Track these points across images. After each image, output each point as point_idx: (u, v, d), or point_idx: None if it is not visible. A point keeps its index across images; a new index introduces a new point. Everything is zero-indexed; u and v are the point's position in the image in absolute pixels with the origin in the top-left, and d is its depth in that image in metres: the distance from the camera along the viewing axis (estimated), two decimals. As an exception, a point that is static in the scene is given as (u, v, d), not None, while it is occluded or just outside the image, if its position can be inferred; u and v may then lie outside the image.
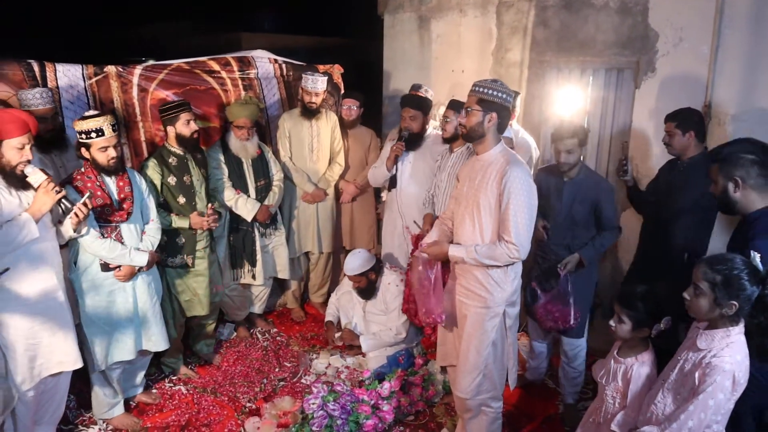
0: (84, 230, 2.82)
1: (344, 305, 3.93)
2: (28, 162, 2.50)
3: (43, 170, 2.54)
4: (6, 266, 2.45)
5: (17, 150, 2.45)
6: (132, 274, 3.05)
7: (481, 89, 2.49)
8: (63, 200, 2.53)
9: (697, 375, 1.89)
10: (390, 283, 3.71)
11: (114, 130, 2.88)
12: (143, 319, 3.15)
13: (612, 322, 2.25)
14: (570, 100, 4.15)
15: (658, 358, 2.23)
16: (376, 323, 3.78)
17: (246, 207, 3.89)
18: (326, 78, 4.25)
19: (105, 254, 2.92)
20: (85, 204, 2.66)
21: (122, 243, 2.98)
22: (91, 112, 2.91)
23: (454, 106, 3.42)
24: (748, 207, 2.21)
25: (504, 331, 2.63)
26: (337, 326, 4.08)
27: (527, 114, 4.72)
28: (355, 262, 3.67)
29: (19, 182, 2.51)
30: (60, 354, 2.71)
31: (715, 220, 3.21)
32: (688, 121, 3.17)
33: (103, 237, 2.92)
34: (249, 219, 3.92)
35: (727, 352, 1.86)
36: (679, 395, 1.95)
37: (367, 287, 3.72)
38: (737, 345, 1.88)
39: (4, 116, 2.44)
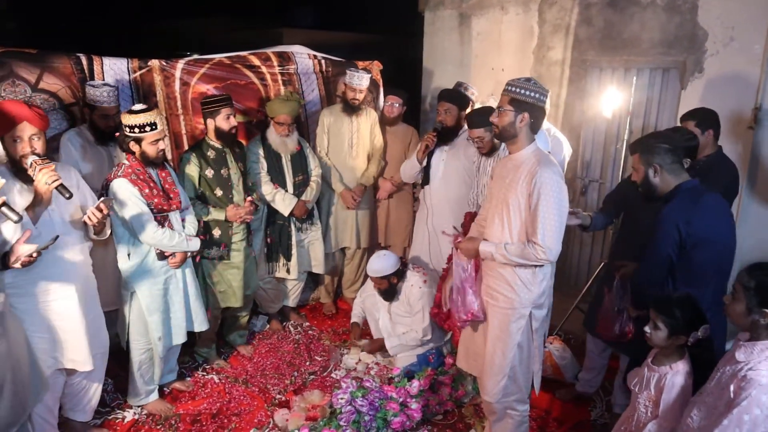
0: (108, 233, 2.80)
1: (369, 307, 3.91)
2: None
3: None
4: (55, 234, 2.37)
5: None
6: (184, 260, 3.15)
7: (513, 88, 2.45)
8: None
9: (732, 388, 1.81)
10: (413, 285, 3.68)
11: (162, 124, 2.94)
12: (192, 301, 3.28)
13: (647, 329, 2.19)
14: (612, 100, 4.05)
15: (695, 367, 2.16)
16: (402, 324, 3.77)
17: (284, 202, 3.93)
18: (369, 75, 4.25)
19: (166, 243, 3.00)
20: (99, 208, 2.57)
21: (176, 231, 3.07)
22: (140, 106, 2.90)
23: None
24: (665, 188, 2.52)
25: (530, 334, 2.58)
26: (363, 325, 4.09)
27: (567, 114, 4.64)
28: (379, 264, 3.63)
29: None
30: (71, 353, 2.71)
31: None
32: (707, 120, 3.11)
33: (160, 227, 2.99)
34: (286, 214, 3.95)
35: (765, 366, 1.78)
36: (715, 409, 1.87)
37: (388, 290, 3.70)
38: None
39: None
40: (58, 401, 2.86)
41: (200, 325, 3.36)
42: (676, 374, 2.12)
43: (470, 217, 3.24)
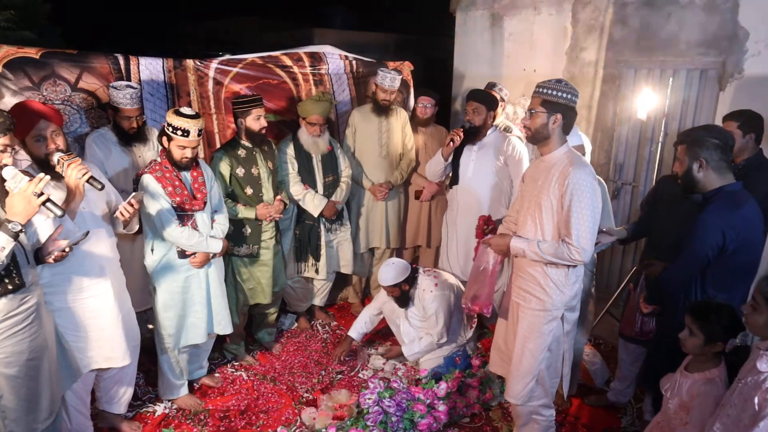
0: (135, 227, 2.85)
1: (389, 314, 3.89)
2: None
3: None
4: (86, 229, 2.37)
5: None
6: (206, 260, 3.16)
7: (544, 90, 2.43)
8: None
9: (757, 400, 1.74)
10: (425, 290, 3.65)
11: (198, 135, 2.95)
12: (214, 303, 3.27)
13: (682, 335, 2.14)
14: (647, 101, 3.96)
15: (731, 375, 2.09)
16: (420, 329, 3.75)
17: (313, 202, 3.94)
18: (401, 76, 4.25)
19: (185, 242, 3.03)
20: (130, 203, 2.62)
21: (197, 231, 3.09)
22: (188, 111, 2.93)
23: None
24: (707, 186, 2.47)
25: (561, 337, 2.56)
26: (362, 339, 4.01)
27: (600, 115, 4.57)
28: (390, 273, 3.61)
29: None
30: (108, 350, 2.74)
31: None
32: (751, 123, 3.04)
33: (181, 225, 3.02)
34: (316, 214, 3.97)
35: None
36: (740, 422, 1.80)
37: (401, 297, 3.68)
38: None
39: None
40: (89, 393, 2.91)
41: (223, 328, 3.34)
42: (708, 383, 2.07)
43: (483, 221, 3.23)
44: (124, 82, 3.30)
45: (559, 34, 4.71)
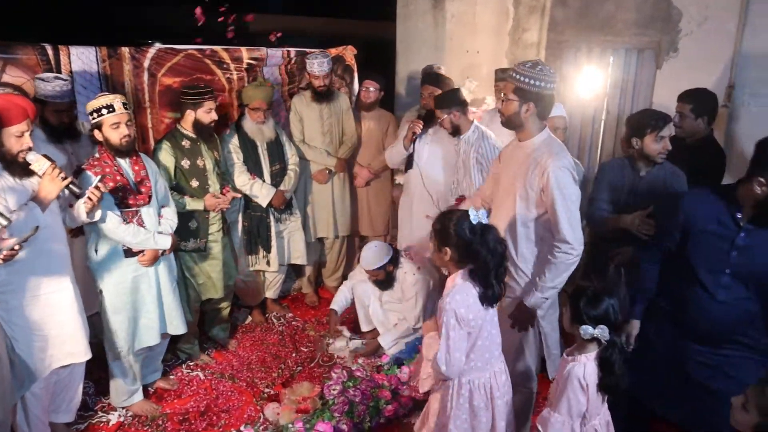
0: (98, 215, 2.74)
1: (359, 295, 3.86)
2: (29, 149, 2.38)
3: (46, 156, 2.40)
4: (36, 224, 2.32)
5: (16, 138, 2.34)
6: (155, 258, 3.03)
7: (517, 76, 2.33)
8: (71, 186, 2.40)
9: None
10: (406, 273, 3.65)
11: (125, 107, 2.83)
12: (166, 302, 3.16)
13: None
14: (589, 81, 4.07)
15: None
16: (393, 311, 3.75)
17: (261, 192, 3.84)
18: (330, 58, 4.13)
19: (130, 239, 2.89)
20: (97, 187, 2.57)
21: (143, 227, 2.95)
22: (101, 94, 2.85)
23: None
24: None
25: (535, 321, 2.58)
26: (348, 314, 4.03)
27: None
28: (373, 256, 3.59)
29: (23, 170, 2.41)
30: (69, 345, 2.67)
31: None
32: (704, 106, 3.12)
33: (126, 222, 2.89)
34: (264, 204, 3.87)
35: None
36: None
37: (385, 279, 3.67)
38: None
39: (2, 103, 2.34)
40: (50, 398, 2.78)
41: (176, 328, 3.22)
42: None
43: (460, 202, 3.21)
44: (53, 74, 3.11)
45: (501, 16, 4.75)
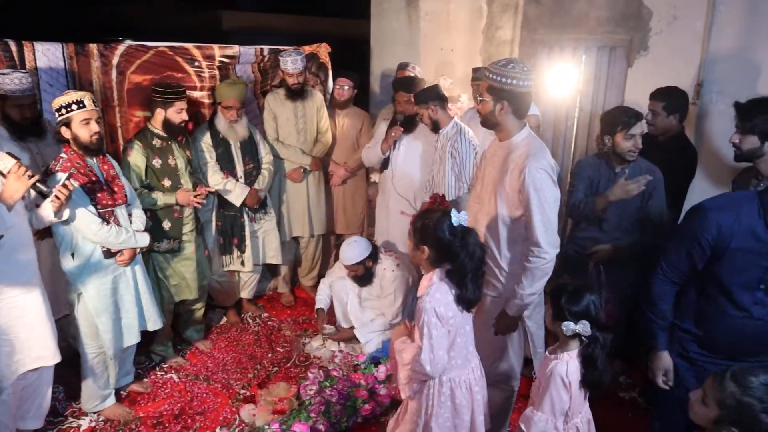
0: (66, 214, 2.68)
1: (337, 291, 3.85)
2: None
3: (11, 155, 2.33)
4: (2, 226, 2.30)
5: None
6: (134, 257, 3.01)
7: (490, 74, 2.30)
8: (38, 184, 2.33)
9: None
10: (386, 269, 3.65)
11: (95, 104, 2.78)
12: (143, 300, 3.14)
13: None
14: (562, 78, 4.10)
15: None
16: (372, 308, 3.74)
17: (235, 191, 3.79)
18: (304, 55, 4.09)
19: (113, 240, 2.85)
20: (65, 185, 2.50)
21: (121, 227, 2.92)
22: (70, 91, 2.78)
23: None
24: None
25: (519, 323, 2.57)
26: (327, 311, 4.02)
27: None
28: (353, 251, 3.57)
29: None
30: (38, 349, 2.62)
31: (686, 195, 3.31)
32: (676, 104, 3.18)
33: (104, 223, 2.83)
34: (238, 204, 3.82)
35: None
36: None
37: (364, 275, 3.66)
38: None
39: None
40: (18, 405, 2.71)
41: (154, 323, 3.22)
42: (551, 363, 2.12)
43: (434, 200, 3.20)
44: (10, 69, 3.03)
45: (474, 13, 4.76)
